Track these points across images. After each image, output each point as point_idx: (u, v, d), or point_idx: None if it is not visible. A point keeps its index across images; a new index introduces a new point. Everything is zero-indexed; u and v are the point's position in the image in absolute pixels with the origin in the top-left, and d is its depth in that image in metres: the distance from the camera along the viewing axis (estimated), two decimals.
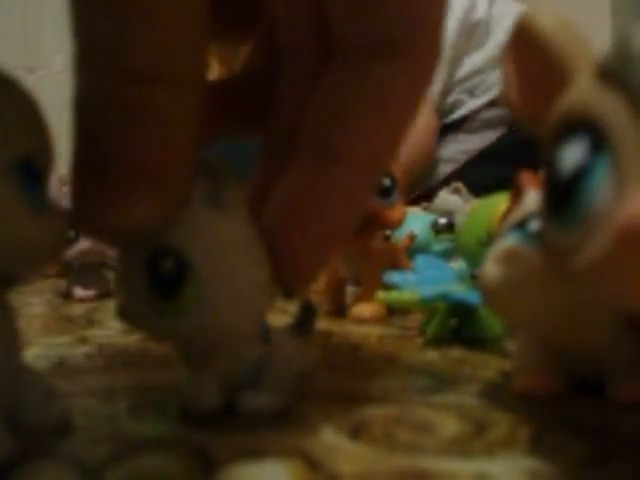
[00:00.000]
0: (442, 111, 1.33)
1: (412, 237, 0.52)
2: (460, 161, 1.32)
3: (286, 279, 0.20)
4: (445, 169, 1.33)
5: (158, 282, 0.20)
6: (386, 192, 0.44)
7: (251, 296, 0.21)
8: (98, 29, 0.15)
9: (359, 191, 0.19)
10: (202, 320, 0.20)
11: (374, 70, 0.17)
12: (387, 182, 0.44)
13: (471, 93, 1.32)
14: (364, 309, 0.44)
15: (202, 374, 0.22)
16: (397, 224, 0.46)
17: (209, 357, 0.22)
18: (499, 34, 1.33)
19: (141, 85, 0.15)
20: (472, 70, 1.32)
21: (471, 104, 1.33)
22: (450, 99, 1.33)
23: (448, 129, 1.35)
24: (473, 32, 1.30)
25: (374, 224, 0.44)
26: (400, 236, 0.52)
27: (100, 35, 0.15)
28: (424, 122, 1.21)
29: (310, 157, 0.18)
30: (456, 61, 1.30)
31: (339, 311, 0.47)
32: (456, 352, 0.33)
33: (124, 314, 0.21)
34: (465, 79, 1.32)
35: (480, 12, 1.31)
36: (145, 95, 0.15)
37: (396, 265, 0.47)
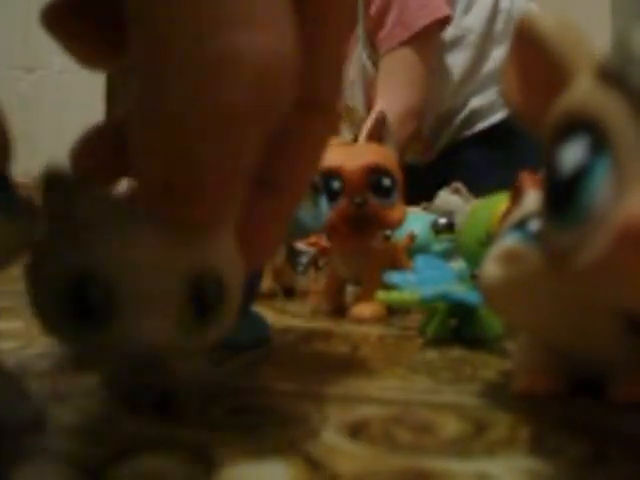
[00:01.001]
0: (463, 98, 1.20)
1: (412, 237, 0.52)
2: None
3: None
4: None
5: (201, 306, 0.19)
6: (386, 192, 0.44)
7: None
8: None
9: (288, 211, 0.23)
10: (222, 331, 0.20)
11: (307, 122, 0.21)
12: (387, 182, 0.44)
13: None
14: (364, 309, 0.44)
15: None
16: (397, 224, 0.46)
17: None
18: None
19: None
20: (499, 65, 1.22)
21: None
22: (485, 100, 1.21)
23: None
24: (500, 21, 1.20)
25: (374, 224, 0.44)
26: (400, 236, 0.52)
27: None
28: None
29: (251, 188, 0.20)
30: (483, 51, 1.19)
31: (339, 311, 0.47)
32: (456, 352, 0.33)
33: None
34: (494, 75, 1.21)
35: (506, 1, 1.21)
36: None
37: (396, 265, 0.47)
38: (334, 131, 0.23)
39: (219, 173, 0.17)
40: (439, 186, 0.75)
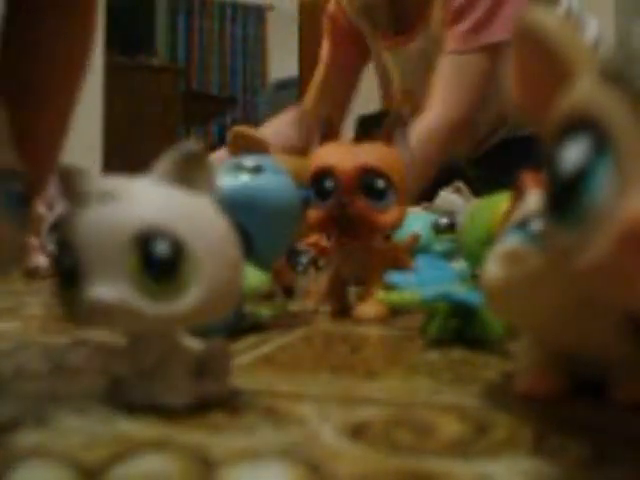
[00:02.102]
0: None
1: (416, 237, 0.52)
2: None
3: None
4: None
5: (152, 265, 0.20)
6: (379, 194, 0.43)
7: (235, 274, 0.22)
8: None
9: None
10: (196, 302, 0.21)
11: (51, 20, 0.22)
12: (380, 184, 0.43)
13: None
14: (368, 309, 0.44)
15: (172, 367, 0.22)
16: (388, 227, 0.45)
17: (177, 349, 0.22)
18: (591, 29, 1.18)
19: None
20: None
21: None
22: None
23: None
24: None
25: (361, 226, 0.44)
26: (401, 237, 0.52)
27: None
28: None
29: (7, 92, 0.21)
30: None
31: (343, 311, 0.47)
32: (457, 353, 0.33)
33: (98, 305, 0.20)
34: None
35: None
36: None
37: (399, 265, 0.47)
38: (90, 34, 0.24)
39: None
40: (486, 182, 0.74)
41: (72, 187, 0.21)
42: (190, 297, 0.20)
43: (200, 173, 0.22)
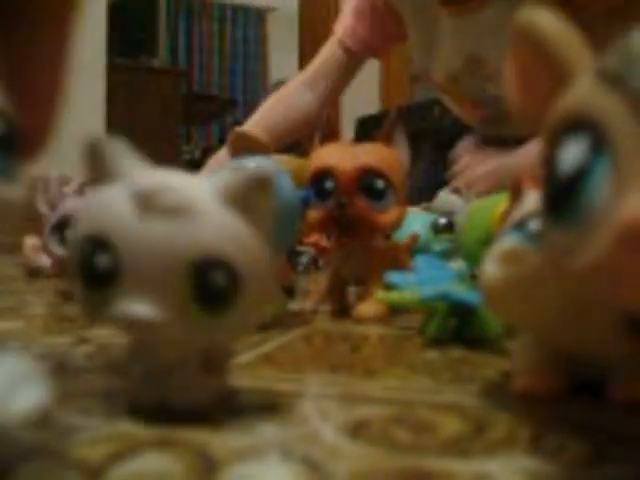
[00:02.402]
0: None
1: (415, 237, 0.52)
2: None
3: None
4: None
5: (205, 295, 0.19)
6: (378, 194, 0.43)
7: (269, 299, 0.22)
8: None
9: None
10: (235, 328, 0.21)
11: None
12: (380, 184, 0.43)
13: None
14: (368, 309, 0.44)
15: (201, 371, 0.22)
16: (388, 227, 0.45)
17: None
18: None
19: None
20: None
21: None
22: None
23: None
24: None
25: (360, 226, 0.44)
26: (400, 237, 0.52)
27: None
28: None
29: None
30: None
31: (343, 311, 0.47)
32: (456, 352, 0.33)
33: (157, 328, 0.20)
34: None
35: None
36: None
37: (398, 265, 0.47)
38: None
39: None
40: None
41: (111, 174, 0.21)
42: (230, 324, 0.20)
43: (263, 201, 0.21)
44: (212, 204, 0.20)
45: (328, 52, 1.04)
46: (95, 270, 0.20)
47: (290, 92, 1.00)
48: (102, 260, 0.20)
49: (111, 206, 0.20)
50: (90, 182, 0.21)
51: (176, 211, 0.19)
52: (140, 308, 0.19)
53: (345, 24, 1.04)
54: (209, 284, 0.19)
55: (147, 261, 0.19)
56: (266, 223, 0.21)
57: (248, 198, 0.20)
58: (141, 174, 0.21)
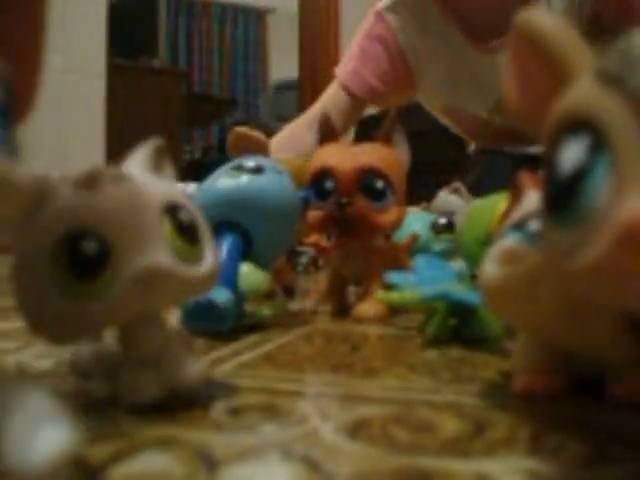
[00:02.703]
0: None
1: (415, 237, 0.52)
2: None
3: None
4: None
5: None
6: (378, 195, 0.43)
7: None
8: None
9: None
10: (211, 266, 0.23)
11: None
12: (379, 184, 0.43)
13: None
14: (368, 309, 0.44)
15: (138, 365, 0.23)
16: (387, 228, 0.45)
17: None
18: None
19: None
20: None
21: None
22: None
23: None
24: None
25: (360, 226, 0.44)
26: (400, 237, 0.52)
27: None
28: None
29: None
30: None
31: (343, 311, 0.47)
32: (456, 352, 0.33)
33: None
34: None
35: None
36: None
37: (398, 265, 0.47)
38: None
39: None
40: None
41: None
42: (207, 261, 0.23)
43: (167, 163, 0.25)
44: (137, 170, 0.24)
45: (330, 95, 0.98)
46: (86, 259, 0.21)
47: (293, 133, 0.96)
48: (89, 246, 0.21)
49: (68, 201, 0.21)
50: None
51: (122, 177, 0.22)
52: (146, 257, 0.21)
53: (349, 67, 0.97)
54: (181, 219, 0.22)
55: (126, 222, 0.21)
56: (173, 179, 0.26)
57: (155, 161, 0.25)
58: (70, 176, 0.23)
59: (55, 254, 0.20)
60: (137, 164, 0.24)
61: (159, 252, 0.21)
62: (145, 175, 0.24)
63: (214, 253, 0.24)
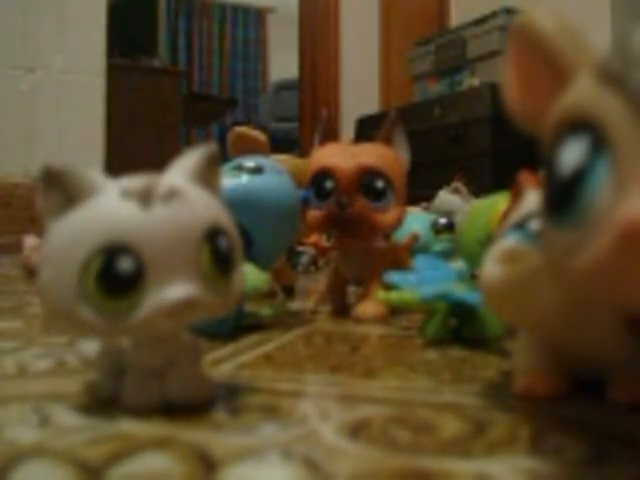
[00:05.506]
0: None
1: (415, 237, 0.52)
2: None
3: None
4: None
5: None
6: (378, 194, 0.43)
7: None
8: None
9: None
10: (238, 289, 0.23)
11: None
12: (379, 184, 0.43)
13: None
14: (368, 309, 0.44)
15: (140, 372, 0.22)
16: (387, 227, 0.45)
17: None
18: None
19: None
20: None
21: None
22: None
23: None
24: None
25: (360, 225, 0.44)
26: (401, 237, 0.52)
27: None
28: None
29: None
30: None
31: (343, 311, 0.47)
32: (456, 352, 0.33)
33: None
34: None
35: None
36: None
37: (398, 265, 0.47)
38: None
39: None
40: None
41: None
42: (234, 285, 0.22)
43: (217, 173, 0.24)
44: (188, 185, 0.22)
45: None
46: (119, 276, 0.20)
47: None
48: (125, 264, 0.20)
49: (114, 212, 0.20)
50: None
51: (173, 195, 0.21)
52: (181, 288, 0.20)
53: None
54: (219, 249, 0.22)
55: (167, 246, 0.20)
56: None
57: (204, 173, 0.23)
58: (120, 181, 0.22)
59: (88, 263, 0.20)
60: (185, 172, 0.23)
61: (192, 283, 0.20)
62: (192, 188, 0.22)
63: (241, 278, 0.23)
